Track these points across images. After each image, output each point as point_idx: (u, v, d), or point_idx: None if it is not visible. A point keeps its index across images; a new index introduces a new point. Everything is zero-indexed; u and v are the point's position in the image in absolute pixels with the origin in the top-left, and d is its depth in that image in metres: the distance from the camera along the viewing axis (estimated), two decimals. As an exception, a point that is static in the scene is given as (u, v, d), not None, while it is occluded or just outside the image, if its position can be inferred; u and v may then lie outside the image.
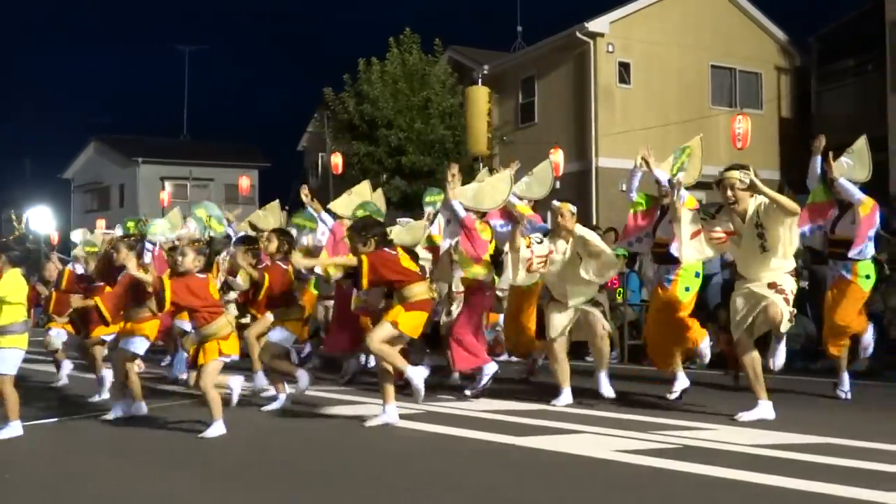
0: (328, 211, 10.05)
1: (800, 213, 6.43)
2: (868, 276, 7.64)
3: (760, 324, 6.53)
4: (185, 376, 8.39)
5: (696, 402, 7.56)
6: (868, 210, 7.50)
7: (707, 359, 7.84)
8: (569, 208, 7.58)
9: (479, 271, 8.13)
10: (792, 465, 5.04)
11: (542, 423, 6.67)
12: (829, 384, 8.13)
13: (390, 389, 6.69)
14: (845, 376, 7.92)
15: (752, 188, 6.27)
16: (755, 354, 6.61)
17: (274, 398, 7.87)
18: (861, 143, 7.88)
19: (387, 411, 6.67)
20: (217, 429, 6.36)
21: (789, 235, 6.35)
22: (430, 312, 7.05)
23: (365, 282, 6.63)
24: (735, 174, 6.45)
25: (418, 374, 6.76)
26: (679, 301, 7.56)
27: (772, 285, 6.43)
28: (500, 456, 5.64)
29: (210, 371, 6.45)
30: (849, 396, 7.86)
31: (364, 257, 6.59)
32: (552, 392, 7.76)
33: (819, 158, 7.72)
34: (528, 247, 7.55)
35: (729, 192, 6.46)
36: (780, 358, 6.63)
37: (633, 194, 8.00)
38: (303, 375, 7.72)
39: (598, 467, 5.20)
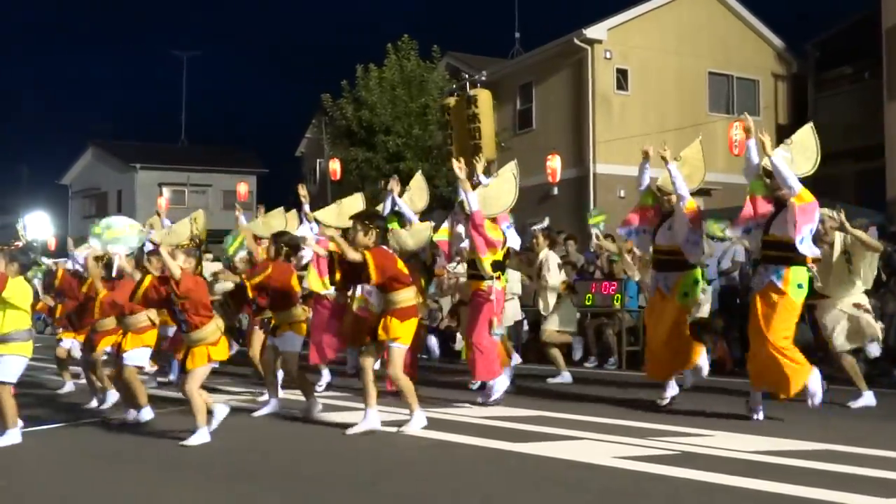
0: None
1: (881, 249, 7.68)
2: (801, 286, 6.77)
3: (852, 336, 7.70)
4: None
5: (693, 407, 7.56)
6: (805, 201, 6.65)
7: (705, 372, 7.93)
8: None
9: (489, 261, 7.94)
10: (790, 471, 5.04)
11: (540, 430, 6.68)
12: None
13: (373, 395, 6.67)
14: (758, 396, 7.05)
15: (842, 229, 7.47)
16: (850, 358, 7.77)
17: (266, 403, 7.90)
18: (806, 132, 7.11)
19: (368, 416, 6.63)
20: (201, 436, 6.29)
21: (869, 262, 7.67)
22: (417, 318, 7.02)
23: (375, 274, 6.56)
24: (825, 212, 7.50)
25: (420, 419, 6.72)
26: (679, 308, 7.64)
27: (857, 306, 7.69)
28: (497, 462, 5.63)
29: (197, 376, 6.42)
30: (760, 417, 6.92)
31: (368, 253, 6.56)
32: (550, 399, 7.70)
33: (753, 142, 7.04)
34: None
35: (820, 226, 7.31)
36: (874, 349, 7.96)
37: (642, 188, 8.06)
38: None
39: (595, 473, 5.19)
